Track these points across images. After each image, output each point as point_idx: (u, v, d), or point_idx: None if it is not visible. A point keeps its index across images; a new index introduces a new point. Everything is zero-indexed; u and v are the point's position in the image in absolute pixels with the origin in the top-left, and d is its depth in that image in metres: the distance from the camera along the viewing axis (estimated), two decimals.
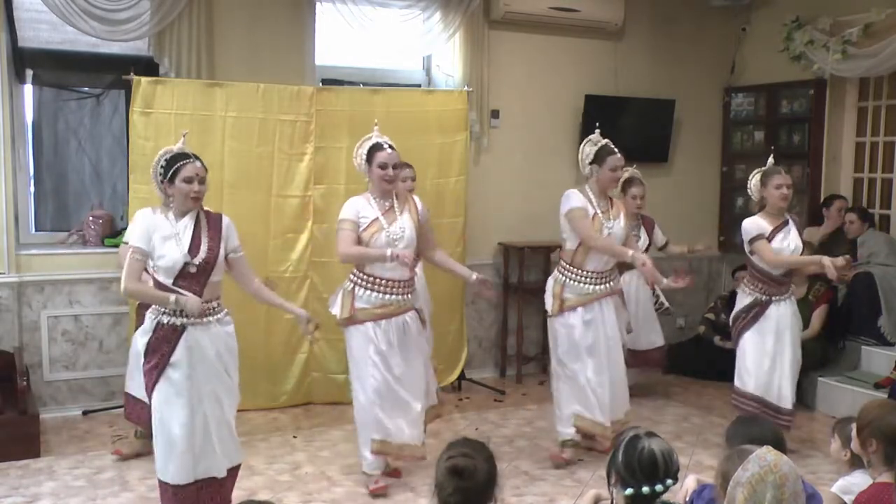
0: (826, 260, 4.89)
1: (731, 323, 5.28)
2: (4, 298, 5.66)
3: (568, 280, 4.92)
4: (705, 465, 4.91)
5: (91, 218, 6.10)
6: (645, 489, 2.42)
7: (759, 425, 3.15)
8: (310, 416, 5.97)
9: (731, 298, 7.21)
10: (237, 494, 4.45)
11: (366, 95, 6.20)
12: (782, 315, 5.07)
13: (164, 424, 3.79)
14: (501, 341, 7.10)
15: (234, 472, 4.03)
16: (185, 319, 3.76)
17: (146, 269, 3.87)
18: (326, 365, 6.17)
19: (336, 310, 4.56)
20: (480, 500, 2.46)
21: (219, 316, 3.89)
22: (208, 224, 3.87)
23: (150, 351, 3.79)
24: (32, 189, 6.14)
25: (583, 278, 4.91)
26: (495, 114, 6.97)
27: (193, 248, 3.78)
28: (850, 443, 3.15)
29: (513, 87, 7.02)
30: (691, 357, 7.08)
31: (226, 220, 3.95)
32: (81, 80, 6.20)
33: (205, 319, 3.81)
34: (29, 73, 5.92)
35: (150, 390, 3.83)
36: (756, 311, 5.08)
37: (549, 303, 5.00)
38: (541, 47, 7.12)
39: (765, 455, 2.24)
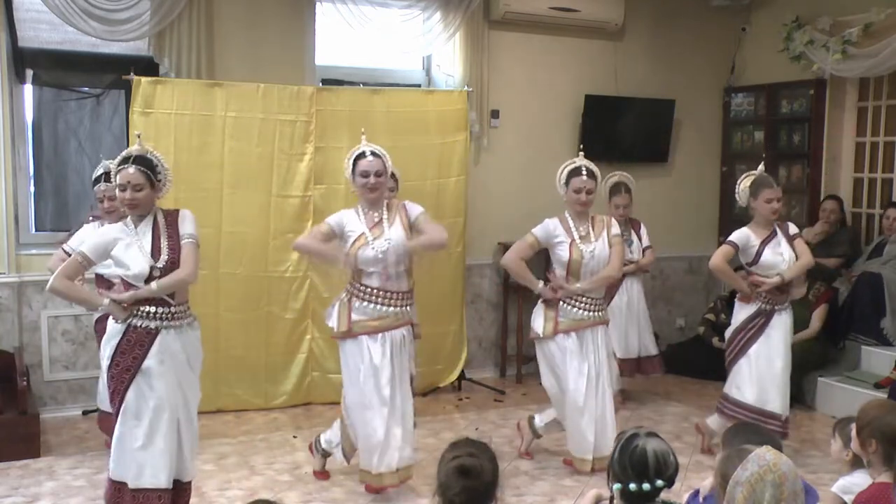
0: (749, 290, 4.97)
1: (732, 334, 5.09)
2: (4, 298, 5.66)
3: (562, 304, 4.82)
4: (705, 465, 4.91)
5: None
6: (632, 486, 2.43)
7: (757, 433, 3.13)
8: (310, 416, 5.97)
9: (732, 299, 7.23)
10: (237, 494, 4.47)
11: (366, 95, 6.21)
12: (785, 323, 5.00)
13: (128, 427, 3.77)
14: (501, 341, 7.10)
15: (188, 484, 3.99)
16: (159, 322, 3.75)
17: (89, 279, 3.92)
18: (326, 365, 6.17)
19: (333, 322, 4.50)
20: (484, 499, 2.47)
21: (188, 320, 3.86)
22: (167, 223, 3.85)
23: (118, 354, 3.75)
24: (32, 189, 6.13)
25: (575, 303, 4.82)
26: (495, 114, 6.97)
27: (155, 251, 3.77)
28: (852, 443, 3.15)
29: (513, 87, 7.02)
30: (691, 357, 7.08)
31: (183, 211, 3.92)
32: (81, 80, 6.20)
33: (177, 323, 3.80)
34: (29, 73, 5.92)
35: (120, 393, 3.78)
36: (762, 322, 4.97)
37: (540, 325, 4.86)
38: (541, 47, 7.12)
39: (764, 454, 2.24)
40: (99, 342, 4.73)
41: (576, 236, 4.82)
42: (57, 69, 6.03)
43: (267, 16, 6.23)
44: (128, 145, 5.70)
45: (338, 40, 6.56)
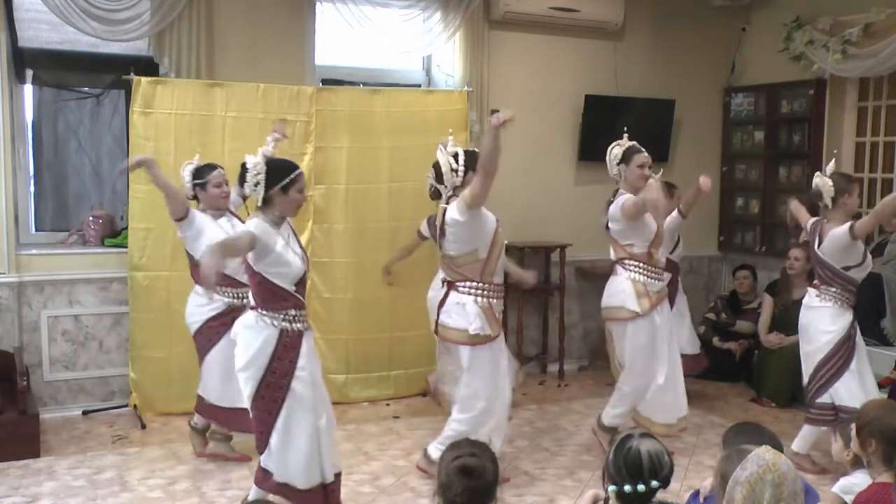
0: None
1: (837, 345, 4.84)
2: (4, 298, 5.66)
3: (648, 279, 4.88)
4: (705, 465, 4.91)
5: (91, 218, 6.10)
6: (627, 488, 2.43)
7: (758, 432, 3.13)
8: None
9: (732, 298, 7.25)
10: (237, 494, 4.47)
11: (366, 95, 6.21)
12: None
13: (292, 434, 3.81)
14: None
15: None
16: (302, 325, 3.84)
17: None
18: (326, 365, 6.13)
19: (485, 329, 4.41)
20: (485, 499, 2.48)
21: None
22: (294, 232, 4.00)
23: (275, 360, 3.77)
24: (32, 189, 6.14)
25: (659, 276, 4.96)
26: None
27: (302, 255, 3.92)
28: (852, 443, 3.15)
29: (513, 87, 7.02)
30: None
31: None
32: (81, 80, 6.20)
33: (308, 324, 3.93)
34: (29, 73, 5.92)
35: (279, 401, 3.78)
36: (856, 326, 4.88)
37: (634, 303, 4.83)
38: (541, 47, 7.12)
39: (763, 454, 2.24)
40: (209, 340, 4.80)
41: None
42: (57, 69, 6.03)
43: (267, 16, 6.23)
44: (128, 145, 5.72)
45: (338, 40, 6.56)
